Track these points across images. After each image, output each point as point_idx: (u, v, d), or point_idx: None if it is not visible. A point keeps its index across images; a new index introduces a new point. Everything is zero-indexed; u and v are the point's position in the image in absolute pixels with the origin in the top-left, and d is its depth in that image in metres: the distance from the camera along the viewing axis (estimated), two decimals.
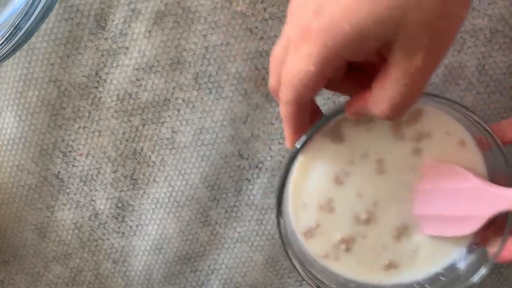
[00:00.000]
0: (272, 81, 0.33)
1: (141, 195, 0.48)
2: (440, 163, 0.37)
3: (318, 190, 0.38)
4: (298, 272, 0.38)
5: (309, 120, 0.35)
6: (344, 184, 0.37)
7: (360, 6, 0.28)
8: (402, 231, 0.38)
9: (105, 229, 0.49)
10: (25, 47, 0.45)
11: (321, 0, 0.29)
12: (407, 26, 0.28)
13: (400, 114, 0.31)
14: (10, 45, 0.41)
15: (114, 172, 0.48)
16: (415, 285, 0.39)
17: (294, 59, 0.30)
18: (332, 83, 0.33)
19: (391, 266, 0.38)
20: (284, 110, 0.33)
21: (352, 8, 0.28)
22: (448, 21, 0.28)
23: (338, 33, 0.28)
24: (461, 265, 0.38)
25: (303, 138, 0.35)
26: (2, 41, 0.41)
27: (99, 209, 0.49)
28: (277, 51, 0.32)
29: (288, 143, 0.35)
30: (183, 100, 0.46)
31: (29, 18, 0.40)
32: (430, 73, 0.29)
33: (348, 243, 0.38)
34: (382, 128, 0.37)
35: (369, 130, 0.37)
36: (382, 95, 0.30)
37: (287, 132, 0.35)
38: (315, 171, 0.37)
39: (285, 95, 0.32)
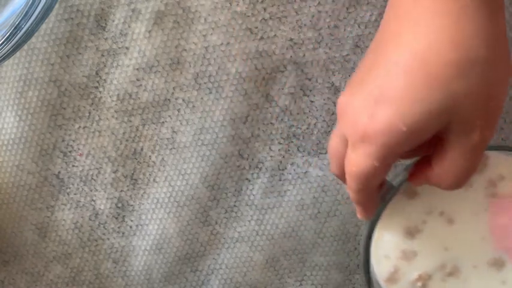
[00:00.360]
0: (334, 169, 0.36)
1: (141, 195, 0.48)
2: (506, 198, 0.38)
3: (398, 245, 0.39)
4: None
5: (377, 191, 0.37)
6: (422, 237, 0.38)
7: (411, 107, 0.29)
8: (485, 273, 0.39)
9: (105, 229, 0.49)
10: (25, 47, 0.45)
11: (372, 104, 0.31)
12: (459, 114, 0.29)
13: (463, 184, 0.33)
14: (10, 45, 0.41)
15: (114, 172, 0.48)
16: None
17: (357, 157, 0.32)
18: None
19: None
20: (354, 196, 0.35)
21: (405, 109, 0.29)
22: (497, 98, 0.30)
23: (395, 133, 0.30)
24: None
25: (377, 213, 0.37)
26: (2, 41, 0.41)
27: (99, 209, 0.49)
28: (335, 143, 0.35)
29: (360, 217, 0.37)
30: (183, 100, 0.46)
31: (29, 18, 0.40)
32: (487, 144, 0.32)
33: (424, 280, 0.39)
34: None
35: None
36: (444, 171, 0.32)
37: (358, 210, 0.37)
38: (392, 227, 0.38)
39: (354, 186, 0.34)
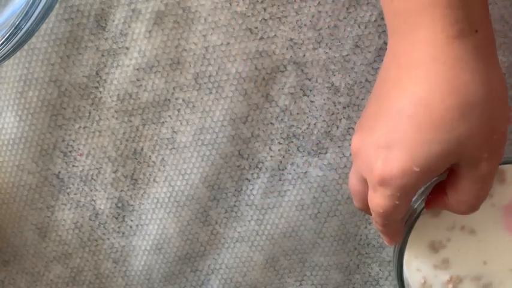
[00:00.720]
0: (358, 205, 0.38)
1: (141, 195, 0.48)
2: None
3: (428, 260, 0.40)
4: None
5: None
6: (451, 250, 0.40)
7: (421, 148, 0.31)
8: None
9: (106, 229, 0.49)
10: (25, 47, 0.45)
11: (384, 149, 0.33)
12: (466, 151, 0.32)
13: (477, 209, 0.36)
14: (10, 45, 0.41)
15: (114, 172, 0.48)
16: None
17: (378, 198, 0.34)
18: None
19: None
20: (381, 229, 0.37)
21: (415, 151, 0.32)
22: (499, 131, 0.32)
23: (410, 175, 0.32)
24: None
25: (404, 237, 0.40)
26: (2, 41, 0.41)
27: (100, 208, 0.49)
28: (354, 182, 0.37)
29: (388, 243, 0.40)
30: (183, 100, 0.46)
31: (29, 18, 0.40)
32: (496, 171, 0.34)
33: (455, 283, 0.40)
34: None
35: None
36: (458, 200, 0.35)
37: (385, 239, 0.39)
38: (421, 245, 0.40)
39: (380, 221, 0.36)
